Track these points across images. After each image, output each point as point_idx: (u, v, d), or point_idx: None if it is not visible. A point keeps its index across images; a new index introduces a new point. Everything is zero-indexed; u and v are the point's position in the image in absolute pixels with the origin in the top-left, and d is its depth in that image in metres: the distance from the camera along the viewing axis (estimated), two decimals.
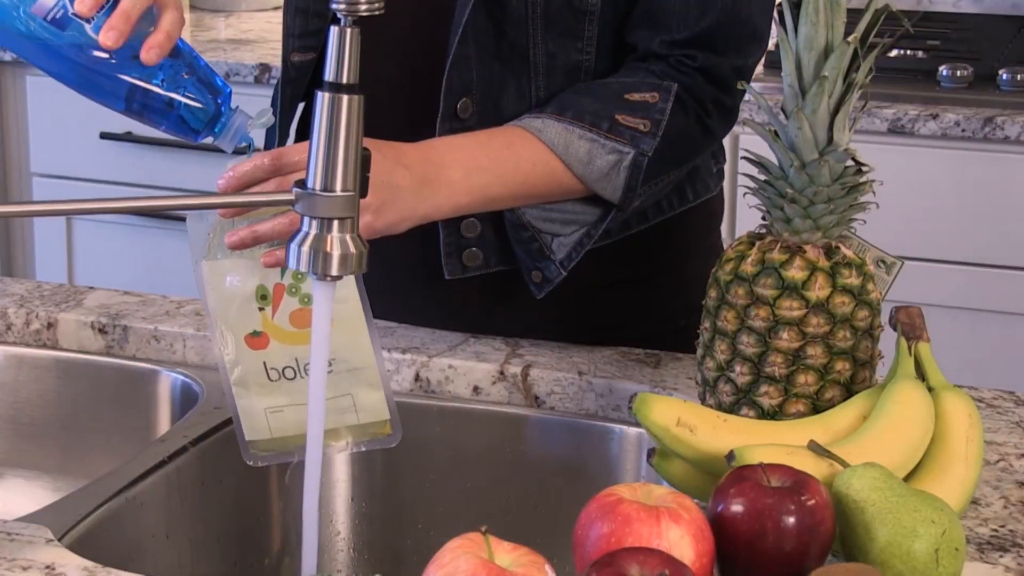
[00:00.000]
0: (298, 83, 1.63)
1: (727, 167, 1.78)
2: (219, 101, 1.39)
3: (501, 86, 1.55)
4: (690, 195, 1.68)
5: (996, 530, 1.28)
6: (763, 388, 1.32)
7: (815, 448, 1.22)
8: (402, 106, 1.59)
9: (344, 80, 1.22)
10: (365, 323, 1.39)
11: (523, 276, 1.57)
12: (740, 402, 1.33)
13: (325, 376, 1.29)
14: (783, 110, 1.32)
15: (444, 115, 1.53)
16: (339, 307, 1.34)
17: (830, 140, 1.30)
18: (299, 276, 1.37)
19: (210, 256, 1.41)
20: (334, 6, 1.21)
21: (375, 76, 1.55)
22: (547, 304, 1.59)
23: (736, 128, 2.52)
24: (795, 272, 1.31)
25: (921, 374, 1.30)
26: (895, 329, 1.32)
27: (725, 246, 1.51)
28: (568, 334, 1.63)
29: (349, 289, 1.39)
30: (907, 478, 1.25)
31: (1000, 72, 2.71)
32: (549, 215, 1.54)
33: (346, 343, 1.40)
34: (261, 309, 1.41)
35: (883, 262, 1.42)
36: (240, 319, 1.41)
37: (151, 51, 1.34)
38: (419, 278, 1.63)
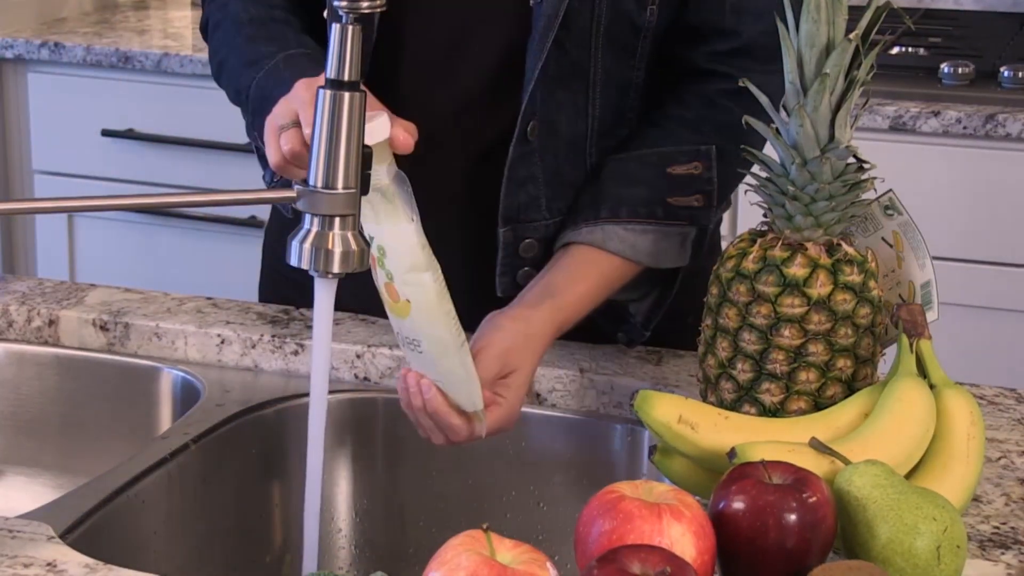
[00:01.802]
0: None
1: None
2: None
3: (559, 106, 1.55)
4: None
5: (998, 527, 1.28)
6: (764, 385, 1.32)
7: (816, 445, 1.22)
8: (472, 130, 1.59)
9: (346, 77, 1.22)
10: (443, 315, 1.35)
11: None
12: (741, 399, 1.33)
13: (327, 375, 1.29)
14: (784, 107, 1.32)
15: (518, 139, 1.54)
16: (414, 290, 1.33)
17: (831, 137, 1.30)
18: (381, 250, 1.35)
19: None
20: (336, 4, 1.21)
21: (448, 100, 1.57)
22: None
23: None
24: (796, 269, 1.31)
25: (923, 371, 1.30)
26: (897, 326, 1.32)
27: (726, 244, 1.50)
28: (575, 333, 1.62)
29: (421, 274, 1.35)
30: (908, 475, 1.25)
31: (1001, 69, 2.71)
32: (622, 289, 1.57)
33: (427, 329, 1.36)
34: (376, 271, 1.37)
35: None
36: None
37: None
38: (455, 240, 1.63)
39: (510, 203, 1.55)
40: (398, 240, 1.32)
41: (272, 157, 1.35)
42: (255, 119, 1.50)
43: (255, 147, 1.57)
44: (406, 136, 1.32)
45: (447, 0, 1.56)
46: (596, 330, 1.60)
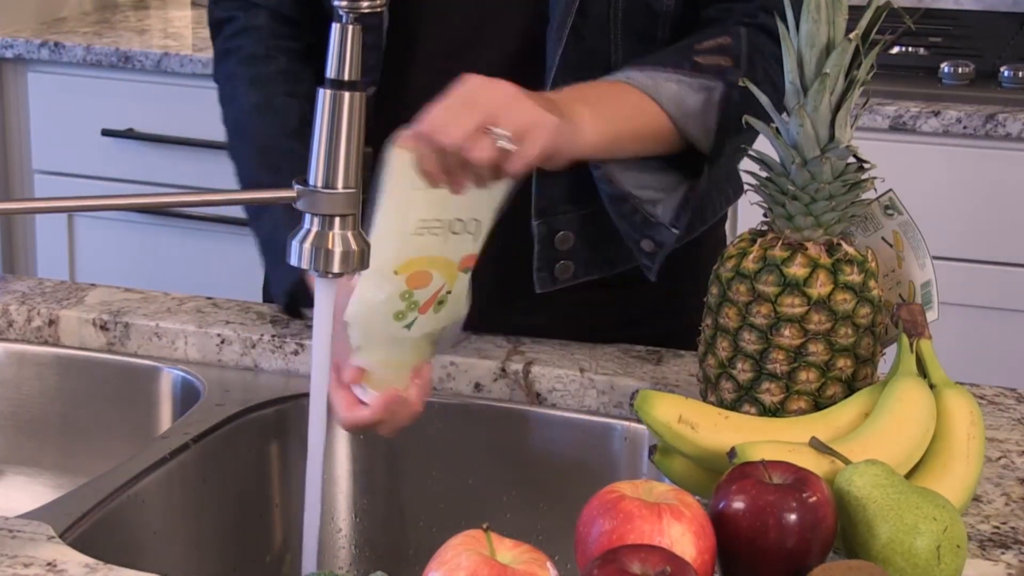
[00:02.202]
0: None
1: None
2: None
3: None
4: (731, 193, 1.70)
5: (998, 527, 1.28)
6: (764, 385, 1.32)
7: (817, 445, 1.22)
8: None
9: (346, 77, 1.22)
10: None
11: (533, 274, 1.57)
12: (742, 399, 1.33)
13: (327, 375, 1.29)
14: (785, 107, 1.32)
15: None
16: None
17: (832, 137, 1.30)
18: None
19: None
20: (336, 3, 1.21)
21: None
22: (555, 305, 1.60)
23: None
24: (796, 269, 1.31)
25: (923, 371, 1.30)
26: (897, 326, 1.32)
27: (727, 243, 1.50)
28: (579, 333, 1.63)
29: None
30: (909, 475, 1.25)
31: (1002, 69, 2.71)
32: (646, 181, 1.53)
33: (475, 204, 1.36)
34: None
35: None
36: None
37: None
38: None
39: (542, 194, 1.55)
40: None
41: (341, 412, 1.40)
42: (267, 258, 1.56)
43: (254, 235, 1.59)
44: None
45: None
46: (602, 330, 1.59)
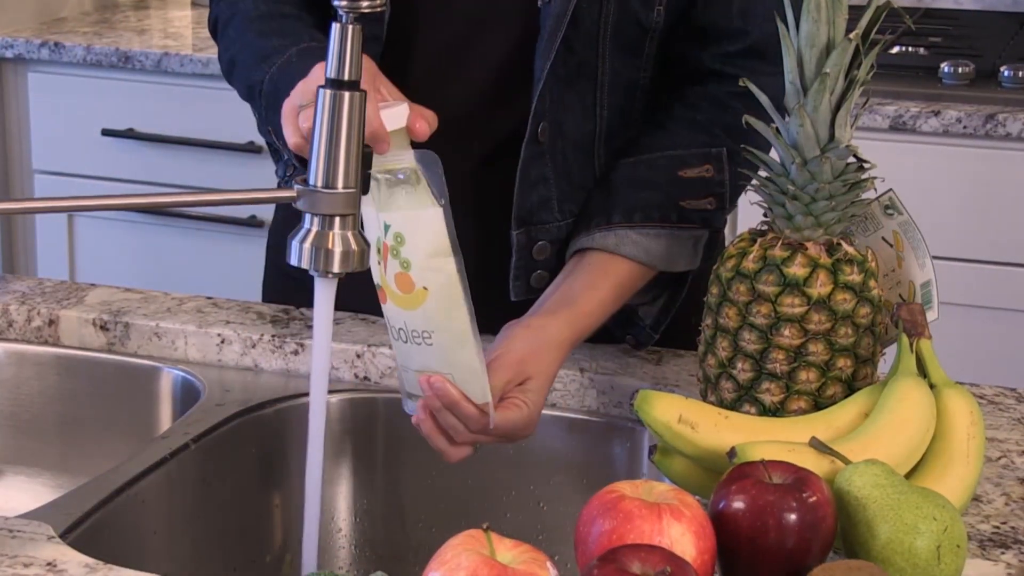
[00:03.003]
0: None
1: None
2: None
3: (568, 106, 1.55)
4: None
5: (998, 527, 1.28)
6: (764, 385, 1.32)
7: (817, 445, 1.22)
8: (480, 131, 1.59)
9: (346, 77, 1.22)
10: (464, 302, 1.34)
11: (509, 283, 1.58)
12: (741, 399, 1.33)
13: (327, 375, 1.29)
14: (785, 107, 1.32)
15: (529, 139, 1.53)
16: (435, 276, 1.33)
17: (832, 137, 1.30)
18: (399, 237, 1.35)
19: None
20: (336, 3, 1.21)
21: (456, 101, 1.56)
22: None
23: None
24: (796, 269, 1.31)
25: (923, 371, 1.30)
26: (897, 326, 1.32)
27: (726, 243, 1.50)
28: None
29: (445, 259, 1.34)
30: (909, 475, 1.25)
31: (1002, 69, 2.71)
32: None
33: (442, 319, 1.35)
34: (378, 263, 1.36)
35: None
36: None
37: None
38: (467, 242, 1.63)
39: (523, 204, 1.55)
40: (422, 225, 1.31)
41: (291, 138, 1.33)
42: (269, 114, 1.48)
43: (267, 142, 1.57)
44: (423, 123, 1.32)
45: (456, 1, 1.56)
46: (602, 332, 1.60)
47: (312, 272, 1.26)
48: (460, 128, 1.56)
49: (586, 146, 1.56)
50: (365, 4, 1.21)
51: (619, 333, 1.59)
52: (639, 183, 1.54)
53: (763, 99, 1.33)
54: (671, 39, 1.57)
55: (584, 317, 1.48)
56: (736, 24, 1.54)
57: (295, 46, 1.50)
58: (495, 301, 1.55)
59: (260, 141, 2.72)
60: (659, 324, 1.58)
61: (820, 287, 1.30)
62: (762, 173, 1.34)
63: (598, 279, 1.51)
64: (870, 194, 1.36)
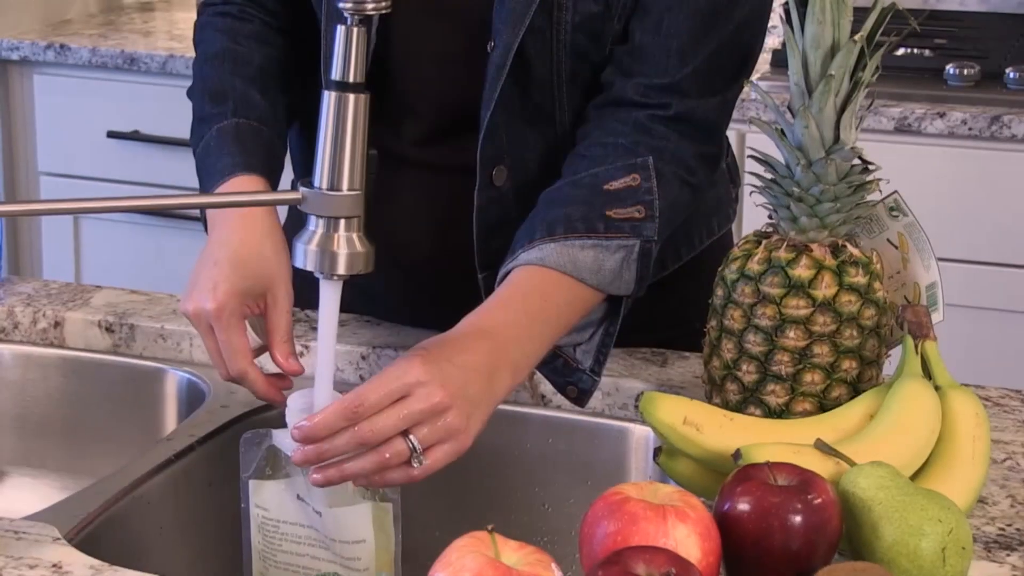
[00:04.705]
0: None
1: None
2: None
3: (531, 147, 1.51)
4: (716, 227, 1.67)
5: (1003, 529, 1.28)
6: (770, 387, 1.32)
7: (821, 447, 1.22)
8: (437, 178, 1.57)
9: (351, 79, 1.22)
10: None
11: None
12: (747, 401, 1.33)
13: (331, 377, 1.29)
14: (789, 109, 1.32)
15: (481, 185, 1.50)
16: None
17: (836, 139, 1.30)
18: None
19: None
20: (340, 5, 1.21)
21: (406, 148, 1.55)
22: None
23: (742, 127, 2.53)
24: (801, 271, 1.31)
25: (928, 373, 1.30)
26: (902, 328, 1.32)
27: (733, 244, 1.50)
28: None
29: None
30: (914, 477, 1.25)
31: (1007, 70, 2.71)
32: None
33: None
34: None
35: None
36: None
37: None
38: (432, 284, 1.62)
39: (485, 250, 1.51)
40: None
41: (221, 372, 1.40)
42: (200, 185, 1.53)
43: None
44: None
45: (423, 44, 1.54)
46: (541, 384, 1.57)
47: (317, 274, 1.26)
48: (419, 176, 1.56)
49: (553, 181, 1.50)
50: (370, 6, 1.21)
51: (559, 383, 1.49)
52: (562, 201, 1.45)
53: (769, 102, 1.33)
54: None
55: (500, 334, 1.35)
56: (666, 63, 1.46)
57: (217, 123, 1.52)
58: (444, 286, 1.54)
59: None
60: (599, 365, 1.47)
61: (825, 289, 1.30)
62: (767, 175, 1.34)
63: (518, 293, 1.40)
64: (875, 196, 1.36)
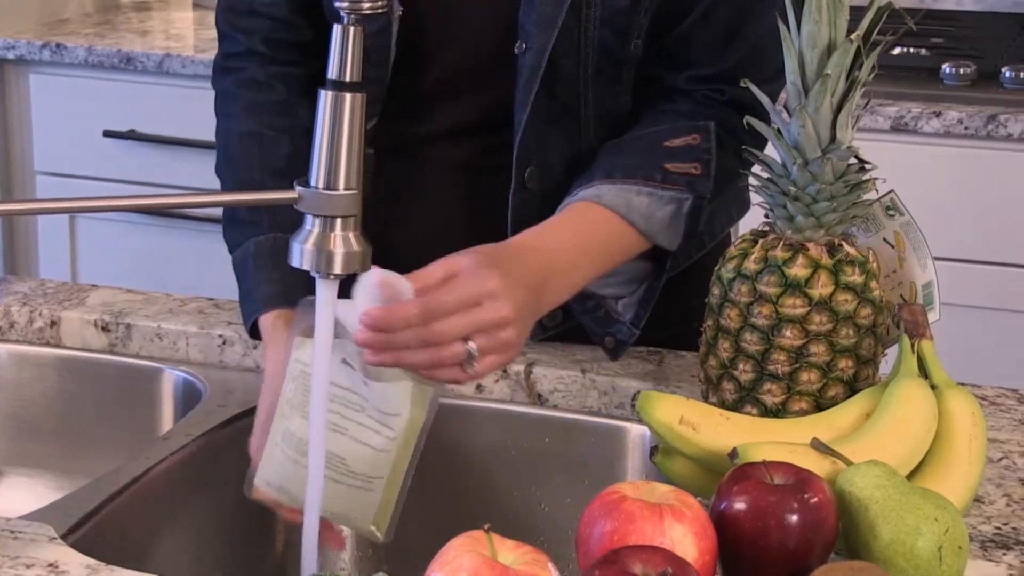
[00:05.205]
0: None
1: None
2: None
3: (554, 147, 1.54)
4: (735, 214, 1.70)
5: (999, 528, 1.28)
6: (766, 386, 1.32)
7: (818, 446, 1.22)
8: (469, 181, 1.59)
9: (347, 78, 1.22)
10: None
11: None
12: (743, 400, 1.33)
13: (328, 376, 1.29)
14: (786, 108, 1.32)
15: (516, 188, 1.53)
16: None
17: (833, 138, 1.30)
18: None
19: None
20: (337, 4, 1.21)
21: (440, 153, 1.58)
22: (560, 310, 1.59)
23: None
24: (798, 270, 1.31)
25: (924, 372, 1.30)
26: (898, 327, 1.32)
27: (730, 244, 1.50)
28: (575, 335, 1.62)
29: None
30: (910, 476, 1.25)
31: (1003, 70, 2.71)
32: (607, 280, 1.53)
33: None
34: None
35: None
36: None
37: None
38: None
39: None
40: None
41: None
42: (241, 298, 1.56)
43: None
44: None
45: (446, 46, 1.55)
46: (581, 334, 1.59)
47: (314, 273, 1.26)
48: (453, 179, 1.57)
49: (575, 177, 1.54)
50: (367, 5, 1.21)
51: (599, 332, 1.56)
52: (623, 151, 1.51)
53: (764, 100, 1.33)
54: (642, 62, 1.55)
55: (549, 252, 1.41)
56: (715, 52, 1.52)
57: (254, 235, 1.54)
58: None
59: None
60: (639, 319, 1.54)
61: (821, 288, 1.30)
62: (764, 174, 1.34)
63: (571, 221, 1.46)
64: (871, 195, 1.36)
